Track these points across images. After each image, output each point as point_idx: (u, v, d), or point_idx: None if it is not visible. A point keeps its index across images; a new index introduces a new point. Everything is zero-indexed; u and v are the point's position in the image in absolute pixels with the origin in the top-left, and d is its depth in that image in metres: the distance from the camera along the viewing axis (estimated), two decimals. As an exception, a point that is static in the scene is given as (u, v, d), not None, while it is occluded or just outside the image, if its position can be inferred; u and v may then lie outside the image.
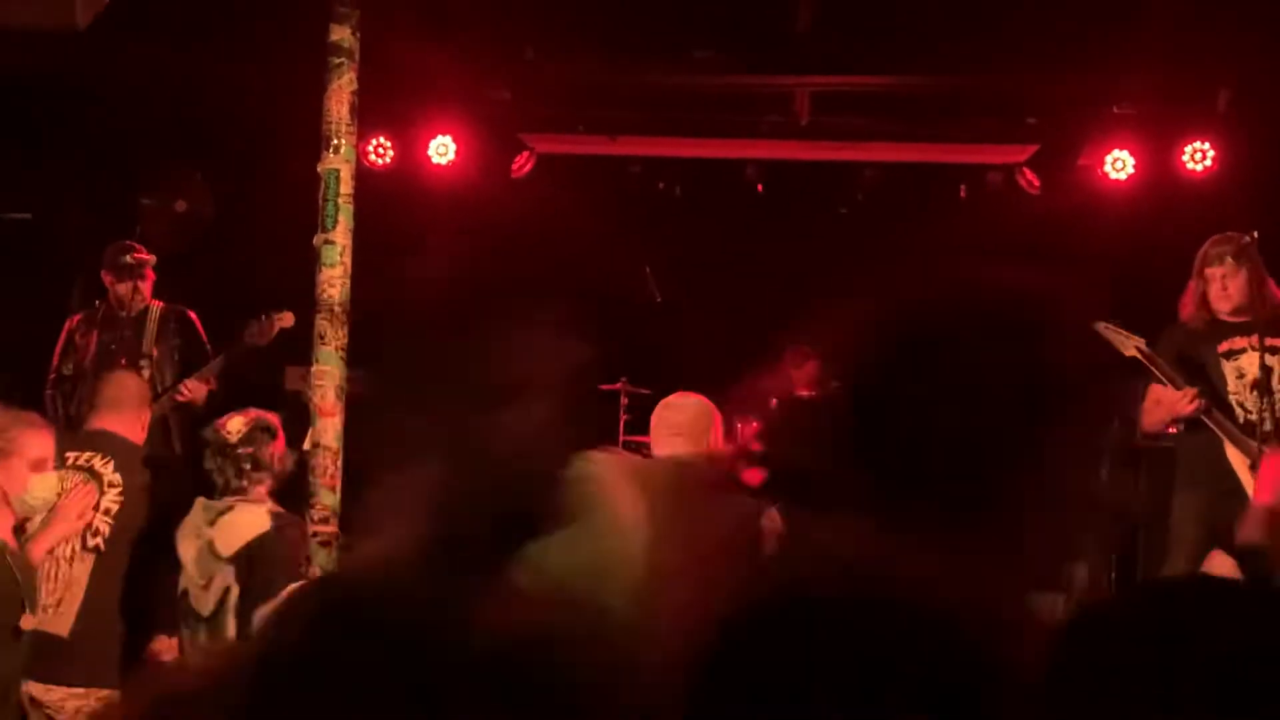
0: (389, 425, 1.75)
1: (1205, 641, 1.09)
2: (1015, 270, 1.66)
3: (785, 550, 1.85)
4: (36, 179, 7.93)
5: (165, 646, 5.16)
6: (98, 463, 4.42)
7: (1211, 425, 4.93)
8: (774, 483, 1.98)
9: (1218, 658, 1.07)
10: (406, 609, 1.59)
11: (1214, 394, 5.01)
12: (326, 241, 4.96)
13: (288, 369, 7.98)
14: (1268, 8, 6.66)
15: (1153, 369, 4.98)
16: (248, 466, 4.13)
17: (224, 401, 6.20)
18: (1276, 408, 4.93)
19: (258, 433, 4.19)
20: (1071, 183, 8.58)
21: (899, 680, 1.29)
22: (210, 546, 3.97)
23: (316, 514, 5.13)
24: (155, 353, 6.06)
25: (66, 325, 6.26)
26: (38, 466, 3.97)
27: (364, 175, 7.15)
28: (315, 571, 5.33)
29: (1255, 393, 4.98)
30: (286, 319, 5.97)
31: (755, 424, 8.08)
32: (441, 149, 8.58)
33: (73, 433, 4.92)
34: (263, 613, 3.80)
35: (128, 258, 6.11)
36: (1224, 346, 5.08)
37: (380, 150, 8.60)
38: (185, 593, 4.12)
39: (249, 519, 3.97)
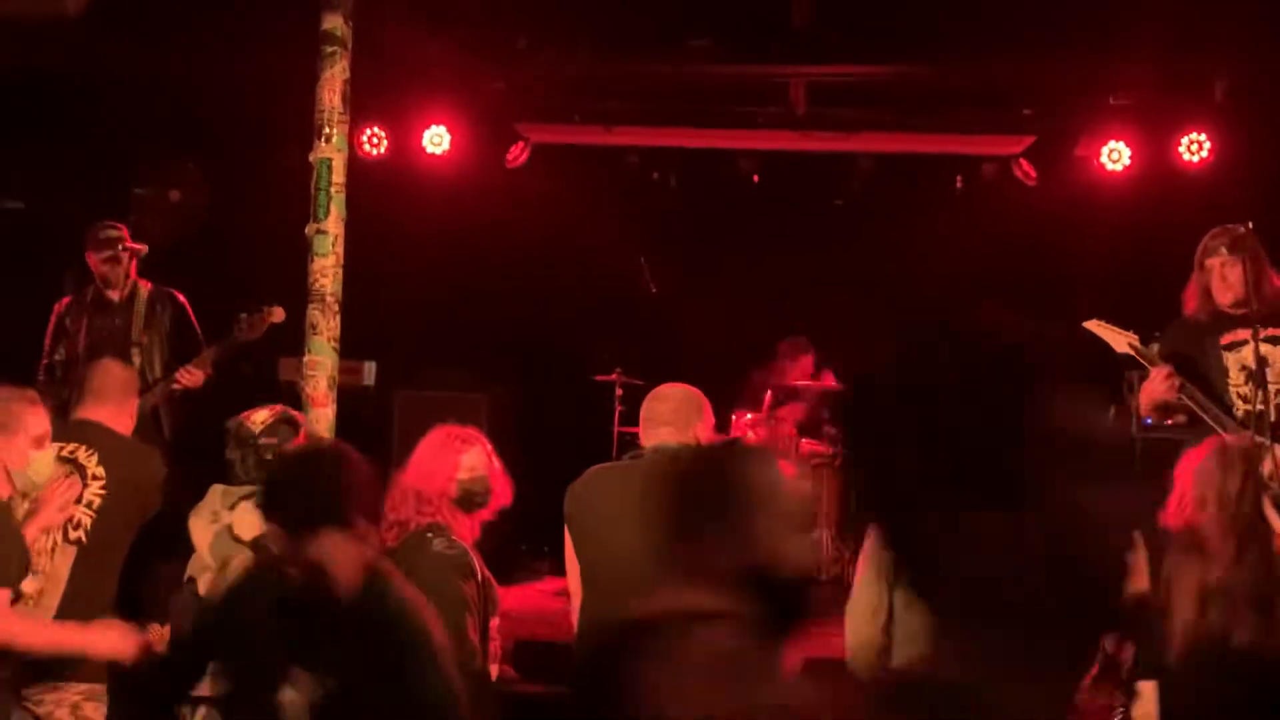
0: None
1: None
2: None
3: None
4: (29, 169, 7.90)
5: (158, 637, 5.15)
6: (82, 455, 4.38)
7: (1194, 406, 4.91)
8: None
9: None
10: None
11: (1214, 385, 4.99)
12: (319, 231, 4.94)
13: (281, 360, 7.98)
14: (1263, -1, 6.66)
15: (1145, 363, 4.97)
16: (269, 458, 4.12)
17: (217, 394, 6.19)
18: (1273, 398, 4.92)
19: (281, 425, 4.19)
20: (1068, 174, 8.57)
21: None
22: (229, 530, 3.96)
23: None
24: (145, 339, 6.04)
25: (55, 310, 6.24)
26: (39, 443, 3.97)
27: (358, 165, 7.15)
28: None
29: (1252, 385, 4.97)
30: (277, 314, 5.94)
31: (751, 414, 8.11)
32: (436, 139, 8.56)
33: (60, 423, 4.89)
34: None
35: (108, 232, 6.09)
36: (1226, 339, 5.06)
37: (374, 140, 8.58)
38: (191, 580, 4.11)
39: (253, 515, 3.96)
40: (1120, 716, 3.94)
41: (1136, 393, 5.15)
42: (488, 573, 4.05)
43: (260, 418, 4.17)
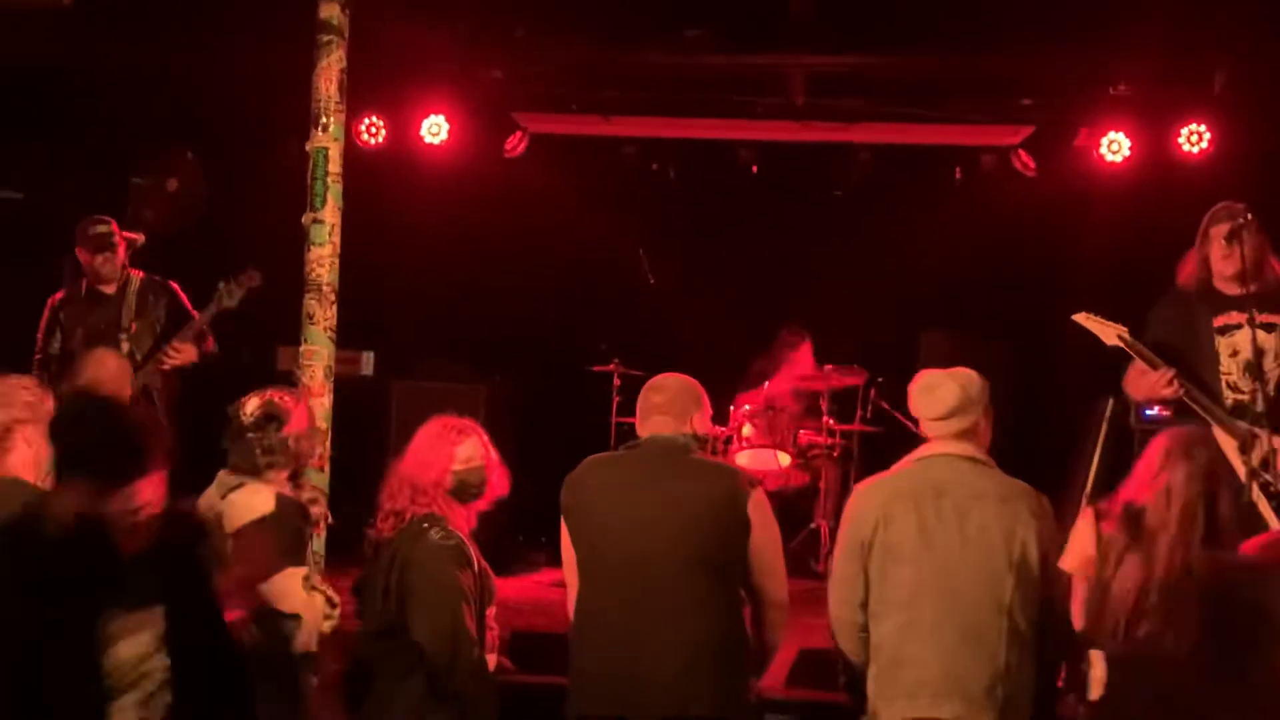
0: None
1: None
2: None
3: None
4: (27, 159, 7.89)
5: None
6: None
7: (1195, 408, 4.90)
8: None
9: None
10: None
11: (1203, 374, 4.97)
12: (315, 220, 4.95)
13: (280, 349, 7.98)
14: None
15: (1136, 355, 4.95)
16: (258, 451, 4.11)
17: (214, 380, 6.19)
18: (1268, 388, 4.91)
19: (265, 421, 4.15)
20: (1067, 165, 8.56)
21: None
22: (219, 520, 3.97)
23: (304, 494, 5.12)
24: (134, 327, 6.03)
25: (49, 303, 6.23)
26: None
27: (356, 155, 7.15)
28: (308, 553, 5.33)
29: (1247, 374, 4.95)
30: (254, 278, 5.93)
31: (750, 405, 8.10)
32: (434, 128, 8.54)
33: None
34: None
35: (98, 228, 6.07)
36: (1219, 321, 5.04)
37: (372, 130, 8.56)
38: None
39: (254, 499, 3.95)
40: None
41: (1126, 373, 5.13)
42: (484, 562, 4.05)
43: (250, 408, 4.15)
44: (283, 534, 3.91)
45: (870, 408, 8.23)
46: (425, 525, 3.94)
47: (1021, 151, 8.52)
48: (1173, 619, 3.48)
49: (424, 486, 3.99)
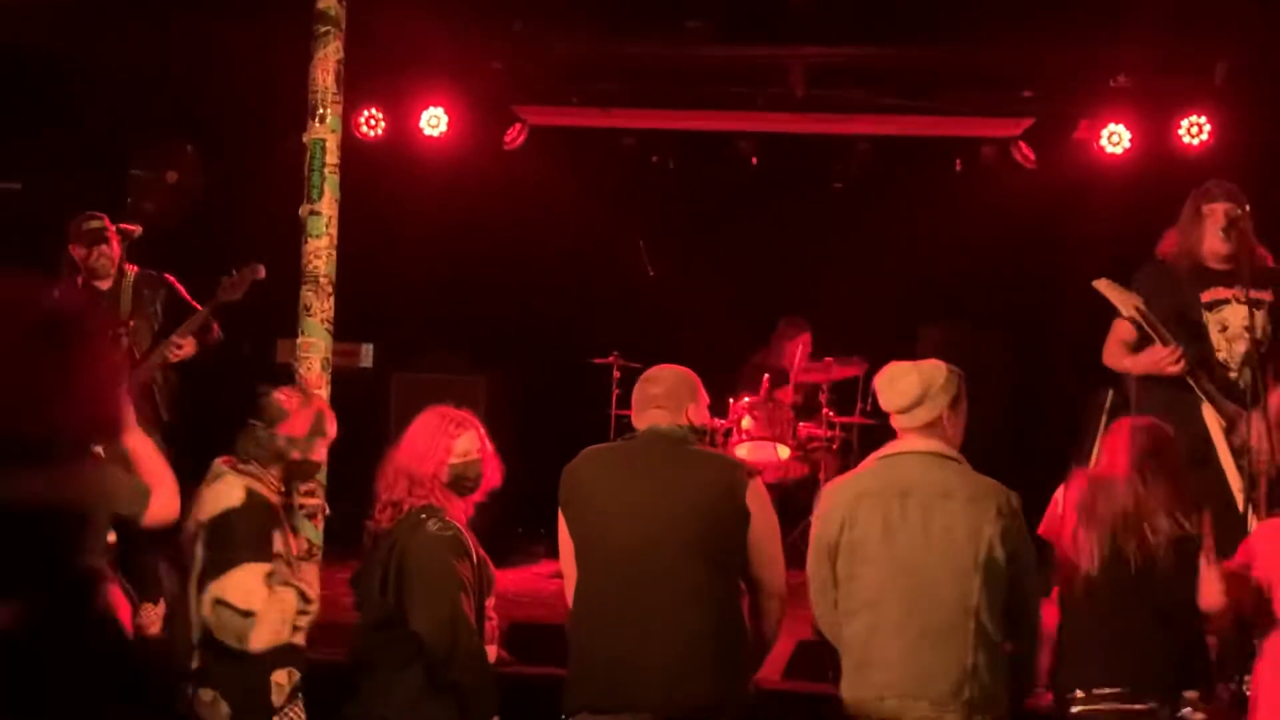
0: None
1: None
2: None
3: None
4: (25, 149, 7.88)
5: (151, 618, 5.15)
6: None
7: (1194, 385, 4.90)
8: None
9: None
10: None
11: (1197, 349, 4.97)
12: (312, 212, 4.93)
13: (279, 342, 7.98)
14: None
15: (1148, 328, 4.94)
16: (248, 443, 4.11)
17: (214, 373, 6.18)
18: (1256, 365, 4.90)
19: (259, 415, 4.14)
20: (1067, 157, 8.54)
21: None
22: (197, 509, 3.97)
23: (302, 486, 5.12)
24: (132, 322, 6.02)
25: None
26: None
27: (356, 147, 7.14)
28: (303, 544, 5.32)
29: (1237, 346, 4.96)
30: (259, 272, 5.92)
31: (749, 397, 8.09)
32: (433, 120, 8.53)
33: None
34: (212, 588, 3.78)
35: (91, 223, 6.06)
36: (1207, 296, 5.04)
37: (372, 122, 8.55)
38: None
39: (227, 491, 3.94)
40: None
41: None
42: (483, 552, 4.05)
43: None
44: (246, 529, 3.89)
45: (870, 400, 8.22)
46: (423, 516, 3.94)
47: (1021, 143, 8.51)
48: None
49: (421, 478, 3.99)
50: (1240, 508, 4.62)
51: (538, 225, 8.98)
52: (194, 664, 3.87)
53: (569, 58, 8.21)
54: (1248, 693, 4.00)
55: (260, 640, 3.79)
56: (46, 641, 1.64)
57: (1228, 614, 3.91)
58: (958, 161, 8.84)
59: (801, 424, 8.29)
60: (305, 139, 4.91)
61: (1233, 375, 4.98)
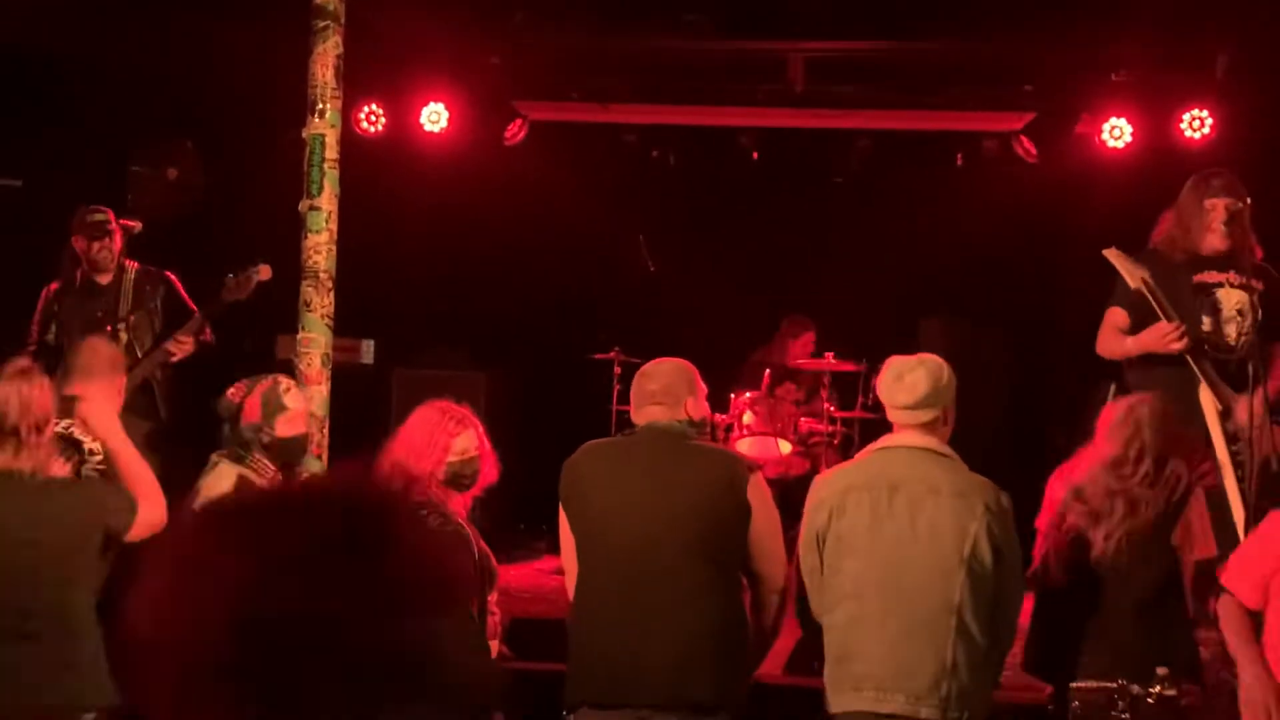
0: None
1: None
2: None
3: None
4: (26, 146, 7.88)
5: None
6: (77, 430, 4.37)
7: (1192, 365, 4.88)
8: None
9: None
10: None
11: (1196, 333, 4.96)
12: (312, 208, 4.92)
13: (280, 338, 7.96)
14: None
15: (1153, 302, 4.92)
16: (230, 438, 4.11)
17: (214, 370, 6.17)
18: (1244, 349, 4.90)
19: (223, 412, 4.16)
20: (1069, 151, 8.52)
21: None
22: (194, 500, 3.97)
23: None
24: (132, 318, 6.01)
25: (44, 293, 6.21)
26: None
27: (356, 143, 7.13)
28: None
29: (1229, 329, 4.95)
30: (263, 272, 5.92)
31: (751, 393, 8.09)
32: (434, 116, 8.52)
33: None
34: None
35: (95, 216, 6.06)
36: (1199, 278, 5.03)
37: (372, 117, 8.54)
38: None
39: (218, 481, 3.96)
40: None
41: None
42: (485, 546, 4.03)
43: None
44: None
45: (870, 395, 8.21)
46: (423, 514, 3.93)
47: (1023, 138, 8.48)
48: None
49: (418, 476, 3.97)
50: (1231, 496, 4.62)
51: (538, 221, 8.97)
52: None
53: (569, 53, 8.21)
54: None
55: None
56: None
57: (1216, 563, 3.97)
58: (959, 156, 8.82)
59: (802, 419, 8.29)
60: (305, 134, 4.90)
61: (1225, 357, 4.98)
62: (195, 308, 6.09)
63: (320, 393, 4.96)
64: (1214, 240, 4.96)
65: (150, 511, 3.74)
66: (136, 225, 6.15)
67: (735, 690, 3.78)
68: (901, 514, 3.68)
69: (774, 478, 7.42)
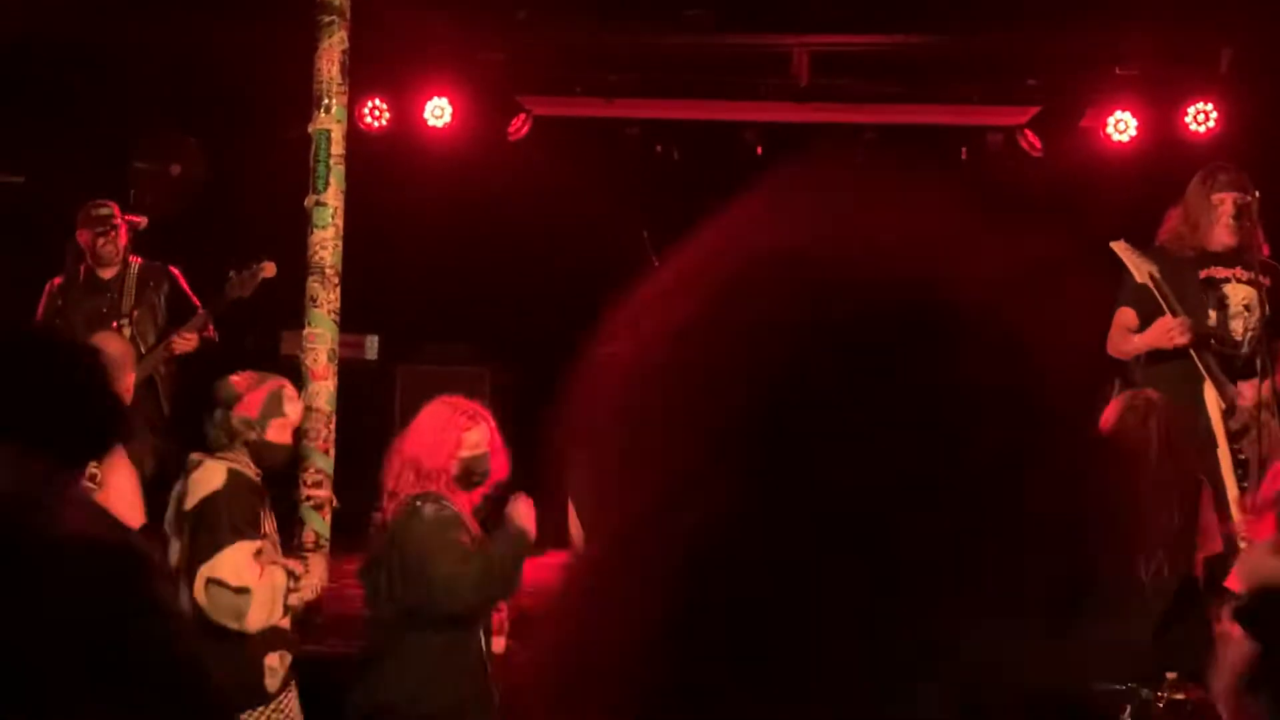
0: None
1: None
2: None
3: None
4: (29, 142, 7.87)
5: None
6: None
7: (1198, 361, 4.86)
8: None
9: None
10: None
11: (1202, 328, 4.94)
12: (318, 203, 4.92)
13: (284, 334, 7.96)
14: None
15: (1159, 296, 4.91)
16: (211, 430, 4.08)
17: (218, 366, 6.16)
18: (1251, 344, 4.89)
19: (214, 401, 4.12)
20: (1073, 144, 8.50)
21: None
22: (181, 499, 3.95)
23: (309, 478, 5.11)
24: (135, 313, 6.01)
25: (46, 289, 6.21)
26: None
27: (360, 138, 7.12)
28: (310, 536, 5.31)
29: (1236, 324, 4.94)
30: (268, 269, 5.92)
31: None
32: (437, 111, 8.51)
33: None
34: (202, 570, 3.74)
35: (101, 210, 6.06)
36: (1205, 274, 5.02)
37: (376, 113, 8.53)
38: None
39: (207, 476, 3.91)
40: None
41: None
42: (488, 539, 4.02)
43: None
44: (233, 509, 3.86)
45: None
46: (419, 503, 3.89)
47: (1028, 131, 8.47)
48: None
49: (428, 471, 3.94)
50: (1231, 494, 4.60)
51: (541, 216, 8.95)
52: None
53: (572, 47, 8.19)
54: None
55: (256, 618, 3.76)
56: None
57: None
58: (963, 150, 8.80)
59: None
60: (310, 129, 4.90)
61: (1230, 353, 4.96)
62: (198, 303, 6.08)
63: (327, 388, 4.96)
64: (1222, 235, 4.95)
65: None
66: (142, 221, 6.15)
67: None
68: None
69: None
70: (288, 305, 5.94)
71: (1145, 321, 5.02)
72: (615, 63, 8.37)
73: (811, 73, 8.18)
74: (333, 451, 5.21)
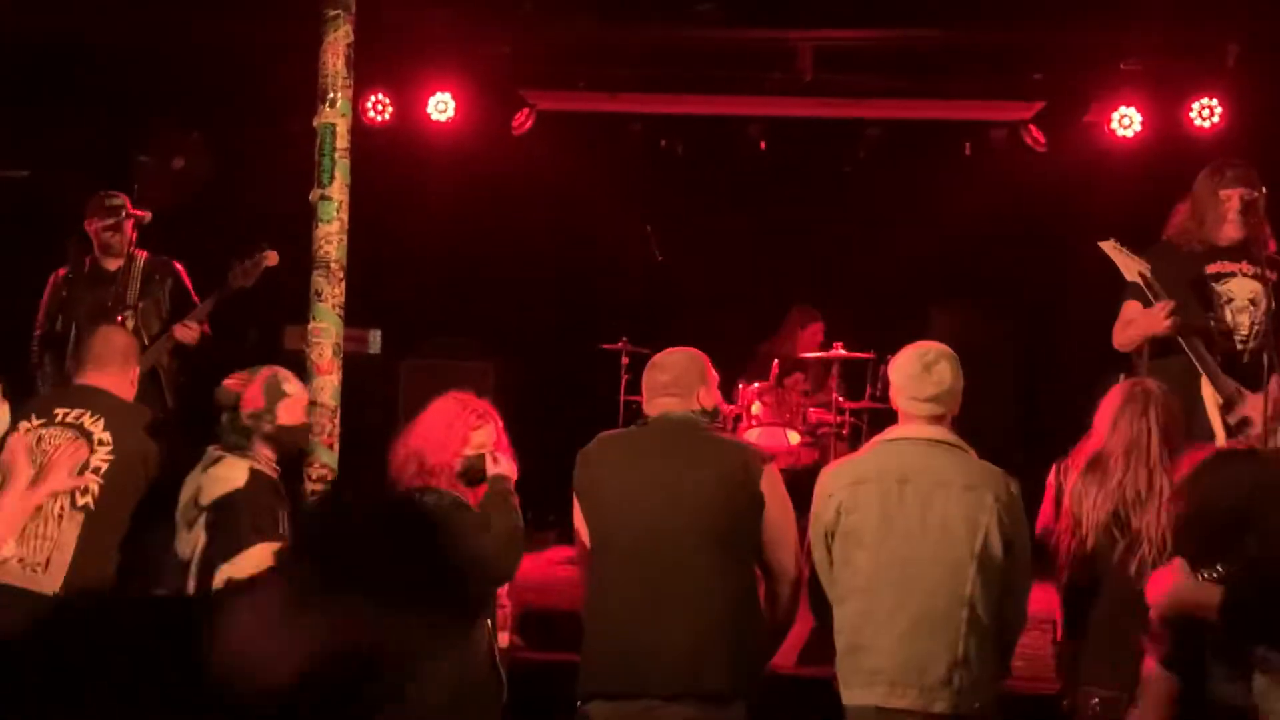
0: None
1: None
2: None
3: None
4: (32, 136, 7.87)
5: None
6: (88, 420, 4.35)
7: (1189, 352, 4.85)
8: None
9: None
10: None
11: (1200, 322, 4.93)
12: (323, 197, 4.90)
13: (286, 329, 7.95)
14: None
15: (1148, 292, 4.91)
16: (227, 430, 4.07)
17: (221, 360, 6.16)
18: (1258, 339, 4.88)
19: (221, 404, 4.12)
20: (1078, 140, 8.50)
21: None
22: (197, 493, 3.94)
23: (314, 472, 5.10)
24: (140, 306, 6.01)
25: (51, 280, 6.21)
26: None
27: (363, 132, 7.10)
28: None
29: (1242, 318, 4.93)
30: (271, 258, 5.91)
31: (759, 383, 8.07)
32: (441, 105, 8.50)
33: (62, 389, 4.86)
34: (223, 569, 3.73)
35: (111, 200, 6.07)
36: (1213, 268, 5.01)
37: (379, 107, 8.52)
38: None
39: (229, 473, 3.91)
40: None
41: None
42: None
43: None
44: (254, 509, 3.86)
45: (879, 385, 8.20)
46: (417, 495, 3.88)
47: (1032, 126, 8.46)
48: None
49: (432, 467, 3.94)
50: None
51: (545, 211, 8.96)
52: None
53: (577, 42, 8.19)
54: None
55: None
56: None
57: None
58: (967, 145, 8.80)
59: (811, 409, 8.27)
60: (315, 124, 4.88)
61: (1238, 347, 4.96)
62: (196, 296, 6.08)
63: (332, 383, 4.94)
64: (1229, 230, 4.95)
65: None
66: (146, 215, 6.14)
67: (750, 680, 3.77)
68: (911, 507, 3.67)
69: (783, 468, 7.39)
70: (290, 299, 5.93)
71: None
72: (619, 57, 8.36)
73: (816, 68, 8.17)
74: (337, 446, 5.20)
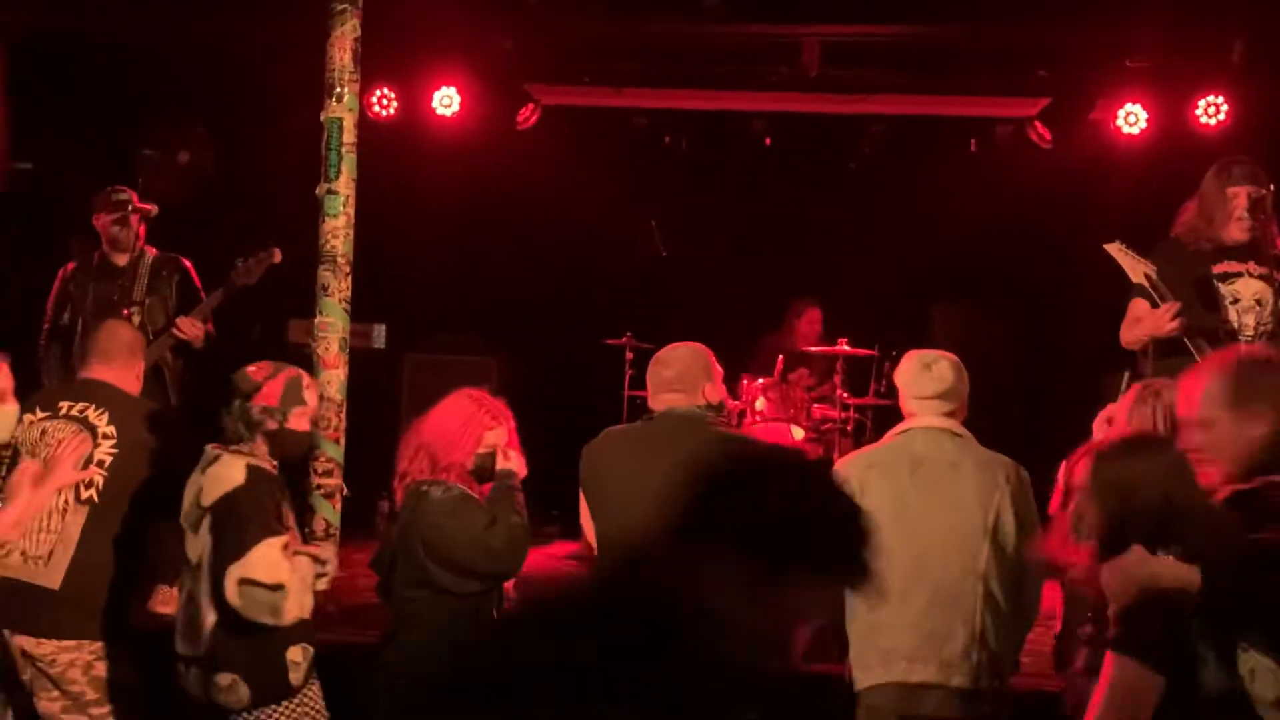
0: None
1: None
2: None
3: None
4: (38, 131, 7.87)
5: (165, 597, 5.13)
6: (92, 414, 4.33)
7: (1193, 350, 4.85)
8: None
9: None
10: None
11: (1206, 322, 4.93)
12: (330, 192, 4.91)
13: (291, 322, 7.96)
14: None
15: (1153, 294, 4.91)
16: (230, 423, 4.04)
17: (225, 356, 6.16)
18: (1263, 339, 4.88)
19: (232, 392, 4.07)
20: (1083, 137, 8.49)
21: None
22: (198, 495, 3.91)
23: (320, 466, 5.11)
24: (146, 301, 6.01)
25: (60, 274, 6.21)
26: (1, 398, 3.95)
27: (368, 127, 7.11)
28: (320, 524, 5.31)
29: (1248, 318, 4.93)
30: (275, 255, 5.90)
31: (762, 379, 8.07)
32: (446, 100, 8.50)
33: (67, 383, 4.85)
34: (233, 570, 3.70)
35: (119, 195, 6.07)
36: (1220, 268, 5.01)
37: (384, 101, 8.52)
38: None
39: (228, 472, 3.85)
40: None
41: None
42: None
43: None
44: (256, 505, 3.82)
45: (884, 381, 8.20)
46: (424, 488, 3.87)
47: (1037, 123, 8.46)
48: None
49: (445, 464, 3.92)
50: None
51: (550, 205, 8.95)
52: (202, 648, 3.80)
53: (581, 37, 8.18)
54: None
55: (291, 612, 3.74)
56: None
57: None
58: (973, 142, 8.79)
59: (815, 405, 8.27)
60: (322, 118, 4.89)
61: (1243, 347, 4.96)
62: (204, 294, 6.08)
63: (338, 376, 4.96)
64: (1236, 229, 4.95)
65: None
66: (153, 209, 6.14)
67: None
68: (925, 488, 3.73)
69: (787, 464, 7.39)
70: (295, 293, 5.93)
71: None
72: (624, 52, 8.36)
73: (821, 63, 8.16)
74: (343, 440, 5.22)
